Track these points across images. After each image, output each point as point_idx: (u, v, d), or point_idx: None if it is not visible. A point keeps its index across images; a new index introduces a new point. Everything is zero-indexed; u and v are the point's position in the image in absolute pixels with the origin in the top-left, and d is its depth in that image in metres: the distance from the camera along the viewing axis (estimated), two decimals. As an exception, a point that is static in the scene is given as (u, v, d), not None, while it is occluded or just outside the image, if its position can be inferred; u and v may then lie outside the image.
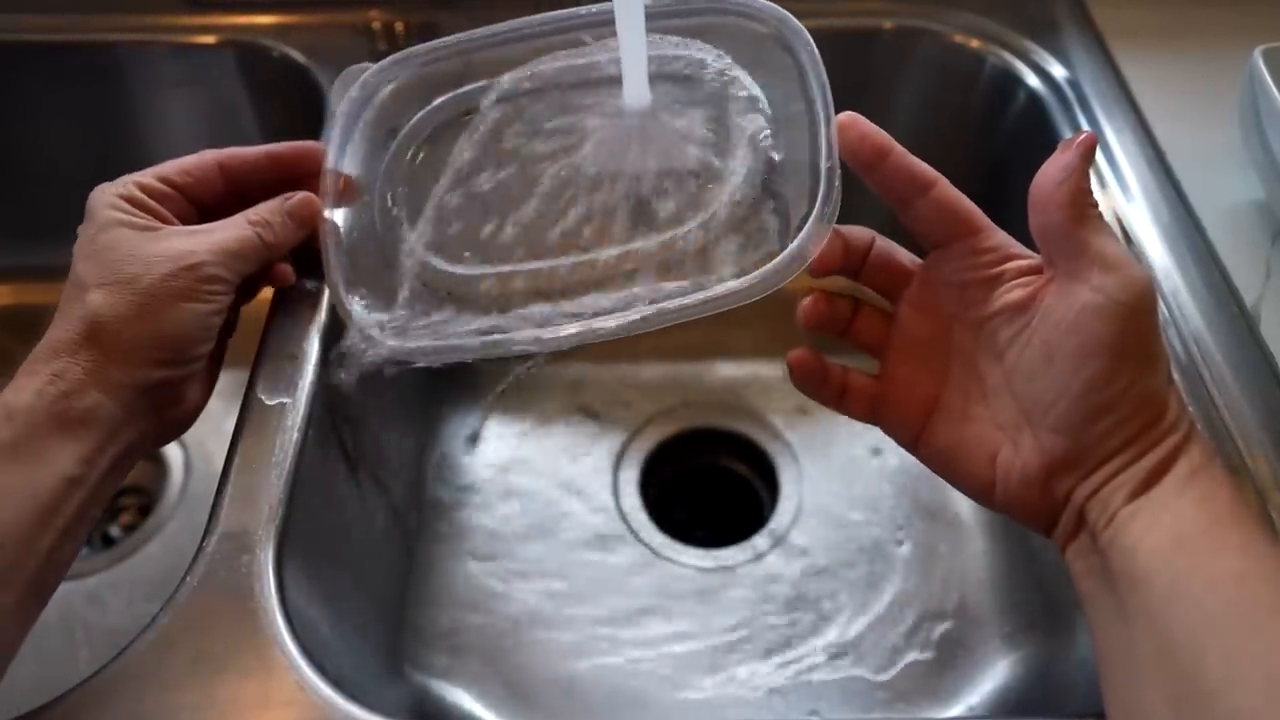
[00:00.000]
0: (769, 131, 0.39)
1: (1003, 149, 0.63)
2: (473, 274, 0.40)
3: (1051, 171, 0.33)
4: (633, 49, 0.38)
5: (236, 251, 0.40)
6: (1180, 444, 0.32)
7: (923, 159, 0.35)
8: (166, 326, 0.38)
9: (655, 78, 0.40)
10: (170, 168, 0.41)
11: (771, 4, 0.40)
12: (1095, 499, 0.33)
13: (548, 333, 0.38)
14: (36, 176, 0.68)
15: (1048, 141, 0.58)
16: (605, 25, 0.40)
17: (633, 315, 0.37)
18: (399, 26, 0.64)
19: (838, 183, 0.35)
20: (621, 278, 0.38)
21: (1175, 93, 0.58)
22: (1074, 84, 0.59)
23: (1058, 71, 0.61)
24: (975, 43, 0.63)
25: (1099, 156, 0.55)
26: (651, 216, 0.39)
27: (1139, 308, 0.32)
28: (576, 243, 0.39)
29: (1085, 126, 0.57)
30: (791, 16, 0.39)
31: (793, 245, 0.35)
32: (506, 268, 0.40)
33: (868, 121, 0.35)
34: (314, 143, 0.44)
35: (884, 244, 0.38)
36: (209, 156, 0.42)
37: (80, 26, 0.63)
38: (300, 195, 0.43)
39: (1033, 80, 0.61)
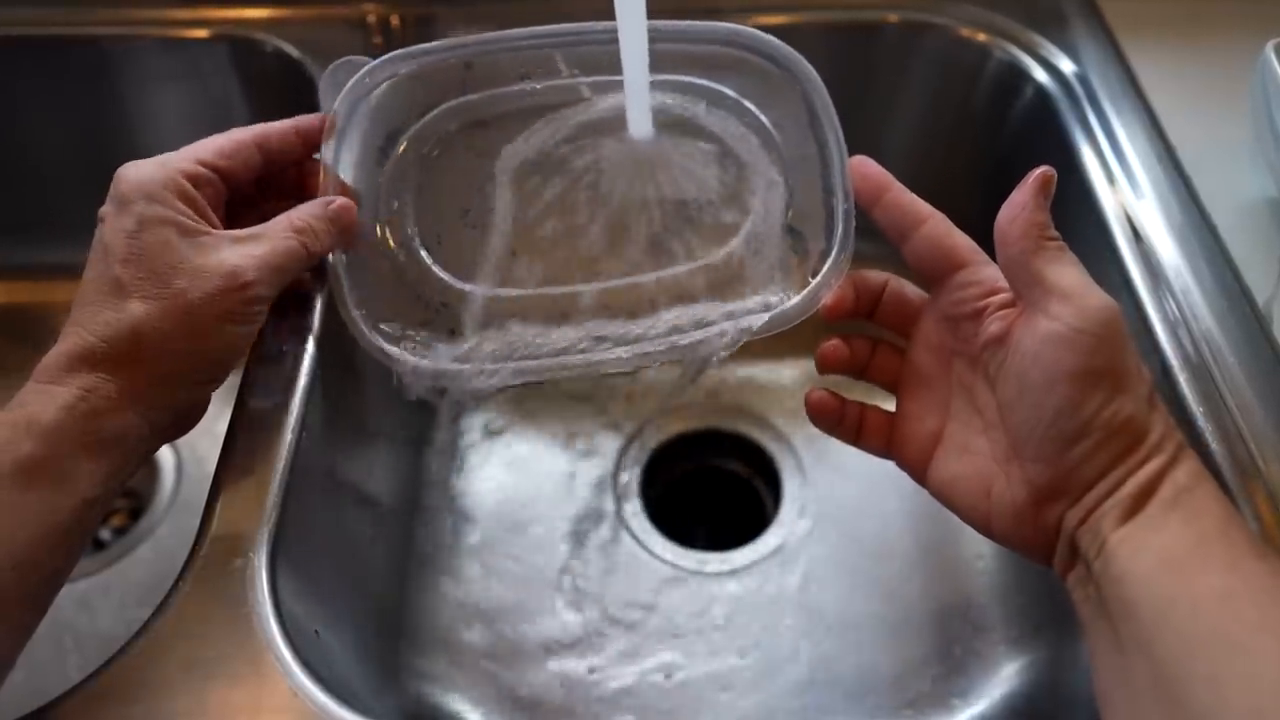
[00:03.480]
0: (784, 169, 0.41)
1: (1009, 145, 0.63)
2: (500, 296, 0.41)
3: (1008, 209, 0.34)
4: (635, 78, 0.39)
5: (283, 267, 0.38)
6: (1165, 467, 0.32)
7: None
8: (211, 346, 0.36)
9: (670, 110, 0.42)
10: (210, 151, 0.39)
11: (784, 45, 0.41)
12: (1085, 527, 0.33)
13: (571, 358, 0.40)
14: (26, 173, 0.68)
15: (1055, 137, 0.58)
16: (612, 44, 0.40)
17: (649, 347, 0.39)
18: (394, 20, 0.64)
19: (853, 227, 0.38)
20: (645, 307, 0.40)
21: (1186, 87, 0.57)
22: (1082, 79, 0.59)
23: (1066, 66, 0.60)
24: (982, 36, 0.62)
25: (1109, 152, 0.55)
26: (669, 249, 0.41)
27: (1101, 334, 0.32)
28: (599, 270, 0.41)
29: (1094, 122, 0.56)
30: (803, 59, 0.41)
31: (810, 287, 0.39)
32: (519, 292, 0.41)
33: (874, 163, 0.38)
34: (331, 114, 0.42)
35: (897, 284, 0.39)
36: (245, 137, 0.40)
37: (69, 20, 0.62)
38: (341, 201, 0.41)
39: (1040, 75, 0.60)
